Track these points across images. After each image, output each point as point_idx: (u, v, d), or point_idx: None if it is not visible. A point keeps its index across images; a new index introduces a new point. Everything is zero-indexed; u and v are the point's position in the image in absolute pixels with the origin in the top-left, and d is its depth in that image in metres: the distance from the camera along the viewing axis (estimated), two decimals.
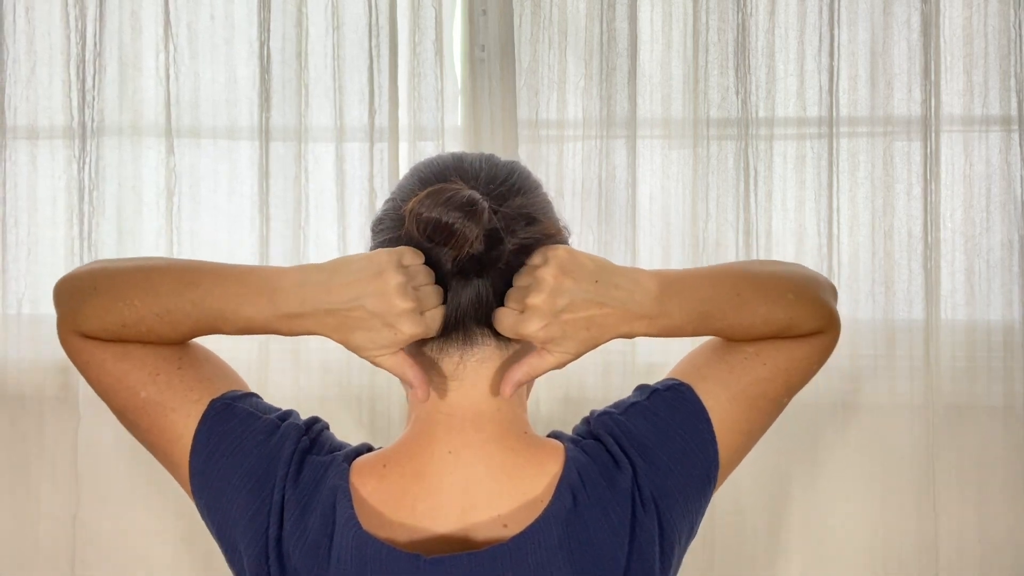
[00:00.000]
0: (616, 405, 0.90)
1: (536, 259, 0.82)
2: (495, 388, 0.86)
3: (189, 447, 0.84)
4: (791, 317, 0.89)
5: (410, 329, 0.79)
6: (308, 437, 0.86)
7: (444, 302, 0.83)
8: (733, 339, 0.91)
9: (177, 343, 0.87)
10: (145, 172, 1.46)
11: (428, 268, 0.81)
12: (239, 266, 0.85)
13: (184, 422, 0.84)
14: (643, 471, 0.84)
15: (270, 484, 0.82)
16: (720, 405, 0.88)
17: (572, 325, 0.81)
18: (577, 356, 0.83)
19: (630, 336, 0.84)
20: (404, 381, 0.83)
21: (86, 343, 0.86)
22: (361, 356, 0.82)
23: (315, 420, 0.89)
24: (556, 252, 0.81)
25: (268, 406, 0.89)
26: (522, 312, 0.80)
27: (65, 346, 0.88)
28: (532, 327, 0.79)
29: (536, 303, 0.79)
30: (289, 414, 0.88)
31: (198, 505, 0.86)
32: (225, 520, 0.83)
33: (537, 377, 0.84)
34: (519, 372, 0.83)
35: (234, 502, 0.83)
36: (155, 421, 0.85)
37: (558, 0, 1.43)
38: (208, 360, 0.90)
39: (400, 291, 0.78)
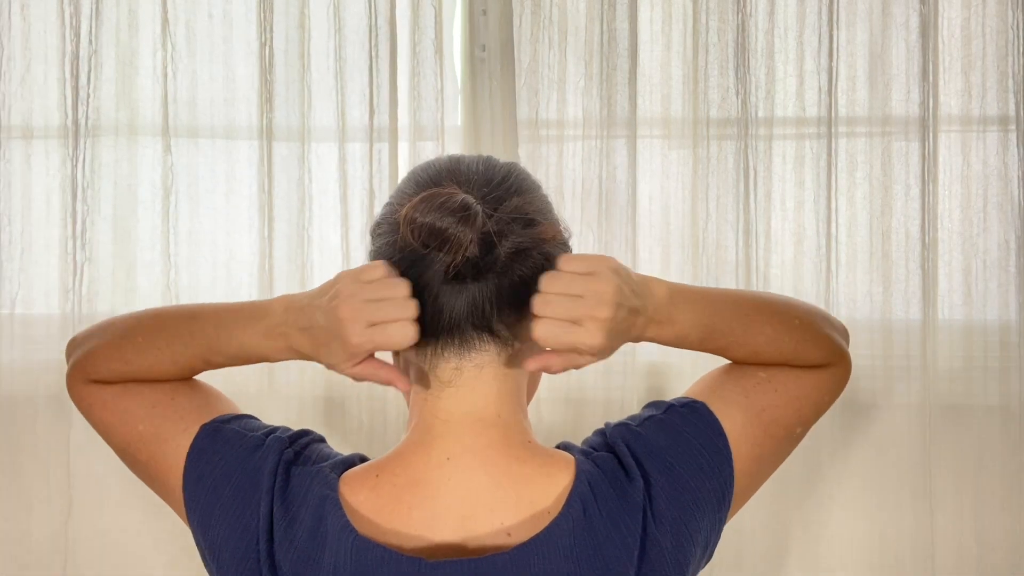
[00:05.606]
0: (632, 418, 0.90)
1: (578, 266, 0.83)
2: (495, 393, 0.85)
3: (182, 472, 0.87)
4: (796, 343, 0.92)
5: (356, 339, 0.80)
6: (292, 449, 0.86)
7: (419, 316, 0.82)
8: (739, 359, 0.94)
9: (177, 378, 0.93)
10: (142, 171, 1.44)
11: (395, 281, 0.81)
12: (236, 302, 0.92)
13: (176, 451, 0.88)
14: (658, 483, 0.83)
15: (256, 498, 0.83)
16: (735, 426, 0.88)
17: (618, 333, 0.83)
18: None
19: (639, 340, 0.87)
20: (383, 384, 0.85)
21: (90, 387, 0.93)
22: (336, 371, 0.85)
23: (304, 433, 0.90)
24: (608, 263, 0.83)
25: (258, 424, 0.91)
26: (575, 323, 0.81)
27: (72, 393, 0.95)
28: (598, 340, 0.81)
29: (604, 316, 0.81)
30: (275, 429, 0.89)
31: (192, 528, 0.87)
32: (216, 538, 0.84)
33: (571, 370, 0.86)
34: (558, 363, 0.84)
35: (223, 519, 0.84)
36: (152, 452, 0.89)
37: (558, 0, 1.43)
38: (202, 390, 0.95)
39: (345, 304, 0.80)
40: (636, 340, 0.87)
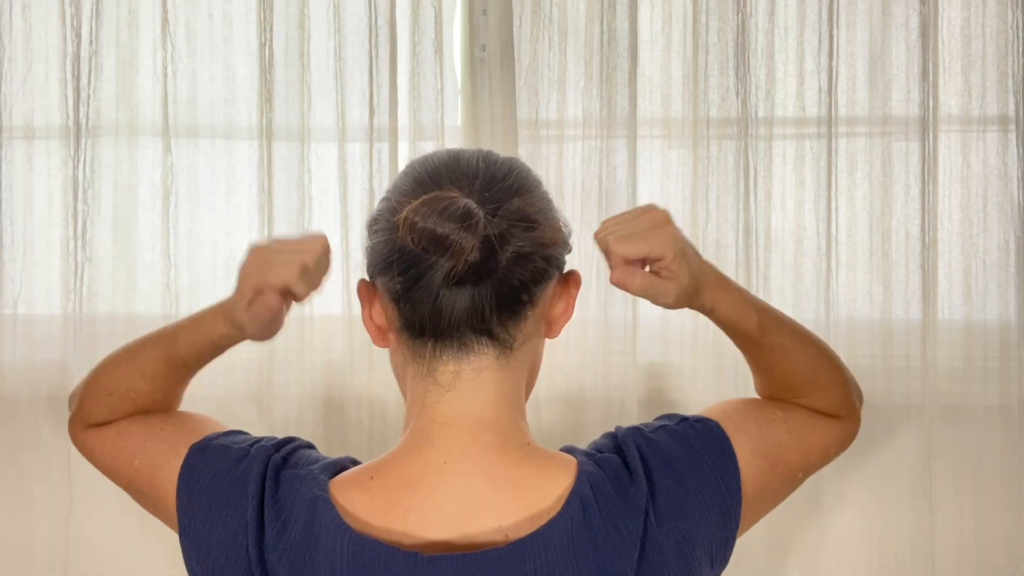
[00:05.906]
0: (644, 425, 0.90)
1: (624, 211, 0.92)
2: (494, 397, 0.84)
3: (175, 494, 0.89)
4: (829, 379, 0.97)
5: (246, 269, 0.88)
6: (280, 455, 0.87)
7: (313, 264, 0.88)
8: (776, 375, 0.97)
9: (152, 392, 0.98)
10: (142, 171, 1.44)
11: (314, 235, 0.90)
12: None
13: (170, 475, 0.91)
14: (663, 488, 0.83)
15: (244, 505, 0.83)
16: (745, 452, 0.89)
17: (691, 259, 0.88)
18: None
19: (704, 299, 0.92)
20: (272, 311, 0.87)
21: (89, 433, 0.99)
22: (243, 327, 0.90)
23: (290, 439, 0.91)
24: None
25: (245, 437, 0.92)
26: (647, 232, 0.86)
27: (75, 442, 1.02)
28: (668, 245, 0.86)
29: (664, 221, 0.88)
30: (261, 439, 0.90)
31: (185, 547, 0.88)
32: (208, 553, 0.85)
33: (651, 296, 0.88)
34: (639, 281, 0.87)
35: (214, 531, 0.85)
36: (151, 483, 0.93)
37: (558, 0, 1.43)
38: (190, 417, 1.00)
39: (259, 246, 0.91)
40: (700, 297, 0.90)
